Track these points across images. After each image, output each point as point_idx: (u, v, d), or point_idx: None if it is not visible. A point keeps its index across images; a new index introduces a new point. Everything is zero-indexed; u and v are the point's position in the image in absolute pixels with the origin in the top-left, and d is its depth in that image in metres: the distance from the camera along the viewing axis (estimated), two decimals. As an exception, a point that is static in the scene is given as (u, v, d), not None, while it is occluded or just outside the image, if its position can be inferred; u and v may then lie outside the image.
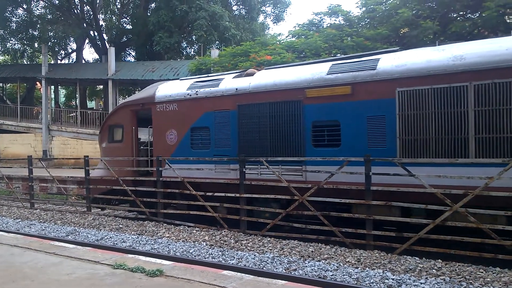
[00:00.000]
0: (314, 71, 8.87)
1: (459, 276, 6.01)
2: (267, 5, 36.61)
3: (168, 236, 9.43)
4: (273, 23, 39.15)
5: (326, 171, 8.15)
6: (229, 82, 10.07)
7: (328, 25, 21.00)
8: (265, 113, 9.25)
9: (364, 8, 20.12)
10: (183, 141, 10.59)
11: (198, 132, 10.40)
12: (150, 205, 11.27)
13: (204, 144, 10.27)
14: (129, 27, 36.15)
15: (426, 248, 7.04)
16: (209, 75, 11.94)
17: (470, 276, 5.99)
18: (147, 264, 6.20)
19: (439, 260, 6.70)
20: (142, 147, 12.54)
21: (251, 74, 10.04)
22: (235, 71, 11.62)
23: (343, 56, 10.08)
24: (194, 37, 31.02)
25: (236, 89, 9.77)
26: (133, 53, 38.50)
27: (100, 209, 13.48)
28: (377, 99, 7.87)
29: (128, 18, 37.01)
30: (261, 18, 37.19)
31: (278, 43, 20.96)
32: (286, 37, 22.13)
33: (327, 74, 8.60)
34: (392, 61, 7.97)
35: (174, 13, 27.71)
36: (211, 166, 10.03)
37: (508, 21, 16.96)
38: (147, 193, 11.20)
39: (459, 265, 6.43)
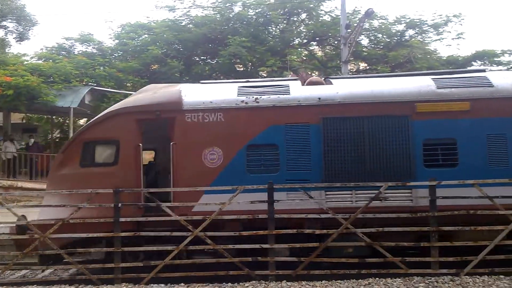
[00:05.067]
0: (420, 84, 7.83)
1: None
2: (9, 20, 31.77)
3: None
4: (16, 41, 34.15)
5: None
6: (306, 90, 8.01)
7: (80, 52, 19.79)
8: (360, 128, 7.56)
9: (117, 41, 19.90)
10: (234, 163, 7.68)
11: (258, 151, 7.70)
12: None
13: (269, 167, 7.66)
14: None
15: (171, 274, 7.17)
16: (262, 79, 8.86)
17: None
18: None
19: (182, 283, 6.92)
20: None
21: (319, 83, 8.30)
22: (279, 78, 8.75)
23: (437, 71, 9.07)
24: None
25: (319, 98, 7.74)
26: None
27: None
28: (497, 117, 7.45)
29: None
30: (1, 33, 31.93)
31: (21, 64, 18.34)
32: (31, 58, 19.61)
33: (438, 88, 7.69)
34: (508, 80, 7.77)
35: None
36: (280, 195, 7.33)
37: (237, 69, 19.79)
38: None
39: (198, 285, 6.78)
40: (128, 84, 18.52)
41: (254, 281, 6.85)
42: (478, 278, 6.57)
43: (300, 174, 7.59)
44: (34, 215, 8.18)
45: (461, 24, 22.77)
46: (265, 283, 6.71)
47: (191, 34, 18.34)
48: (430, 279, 6.61)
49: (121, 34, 19.82)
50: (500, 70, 10.55)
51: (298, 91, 7.99)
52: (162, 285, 6.96)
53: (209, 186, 7.46)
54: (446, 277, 6.66)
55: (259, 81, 9.12)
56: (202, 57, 20.36)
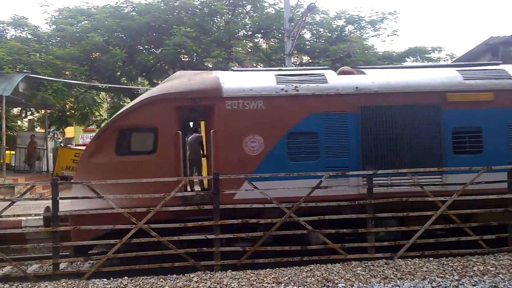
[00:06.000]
0: (449, 75, 8.16)
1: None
2: None
3: None
4: None
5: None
6: (343, 79, 8.07)
7: (13, 37, 18.31)
8: (394, 117, 7.75)
9: (54, 26, 18.64)
10: (275, 151, 7.64)
11: (298, 139, 7.69)
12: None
13: (310, 154, 7.70)
14: None
15: (114, 268, 6.90)
16: (295, 68, 8.92)
17: (153, 287, 6.20)
18: None
19: (126, 277, 6.66)
20: None
21: (350, 72, 8.35)
22: (314, 67, 9.33)
23: (458, 63, 9.60)
24: None
25: (357, 87, 7.83)
26: None
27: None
28: None
29: None
30: None
31: None
32: (-44, 42, 17.83)
33: (464, 79, 8.04)
34: None
35: None
36: (318, 182, 7.25)
37: (182, 59, 19.33)
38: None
39: (143, 278, 6.55)
40: (67, 72, 17.43)
41: (199, 272, 6.75)
42: (410, 261, 6.93)
43: (339, 161, 7.72)
44: None
45: (395, 22, 23.85)
46: (211, 274, 6.64)
47: (134, 22, 17.54)
48: (367, 263, 6.88)
49: (59, 20, 18.53)
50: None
51: (336, 80, 8.07)
52: (105, 279, 6.65)
53: (251, 174, 7.38)
54: (381, 261, 6.97)
55: (293, 70, 9.02)
56: (146, 46, 19.62)
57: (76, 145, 31.94)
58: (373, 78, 8.09)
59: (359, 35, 20.26)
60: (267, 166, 7.56)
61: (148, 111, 7.75)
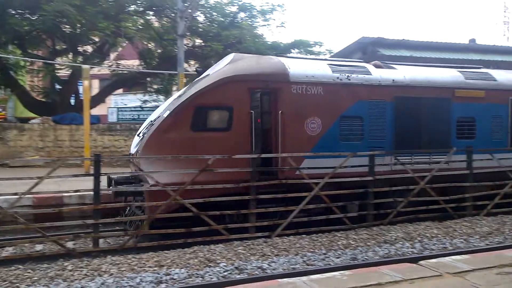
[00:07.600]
0: (455, 74, 9.80)
1: (5, 282, 5.46)
2: None
3: None
4: None
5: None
6: (382, 72, 9.19)
7: None
8: (418, 106, 9.20)
9: None
10: (330, 132, 8.56)
11: (348, 122, 8.70)
12: None
13: (356, 136, 8.77)
14: None
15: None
16: (341, 59, 10.76)
17: (17, 279, 5.56)
18: None
19: None
20: None
21: (381, 66, 9.47)
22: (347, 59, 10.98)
23: (447, 65, 11.07)
24: None
25: (393, 80, 9.07)
26: None
27: None
28: (497, 103, 9.88)
29: None
30: None
31: None
32: None
33: (465, 79, 9.69)
34: (503, 77, 10.24)
35: None
36: (363, 161, 8.41)
37: (63, 29, 17.46)
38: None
39: (6, 270, 5.83)
40: None
41: (75, 259, 6.29)
42: (286, 238, 7.42)
43: (378, 143, 8.90)
44: None
45: (283, 14, 24.73)
46: (87, 261, 6.22)
47: (4, -19, 15.25)
48: (248, 242, 7.16)
49: None
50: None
51: (377, 72, 9.13)
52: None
53: (310, 152, 8.23)
54: (261, 240, 7.32)
55: (340, 60, 9.90)
56: (19, 10, 17.22)
57: None
58: (405, 73, 9.40)
59: (250, 23, 20.65)
60: (323, 145, 8.46)
61: (224, 91, 8.03)
